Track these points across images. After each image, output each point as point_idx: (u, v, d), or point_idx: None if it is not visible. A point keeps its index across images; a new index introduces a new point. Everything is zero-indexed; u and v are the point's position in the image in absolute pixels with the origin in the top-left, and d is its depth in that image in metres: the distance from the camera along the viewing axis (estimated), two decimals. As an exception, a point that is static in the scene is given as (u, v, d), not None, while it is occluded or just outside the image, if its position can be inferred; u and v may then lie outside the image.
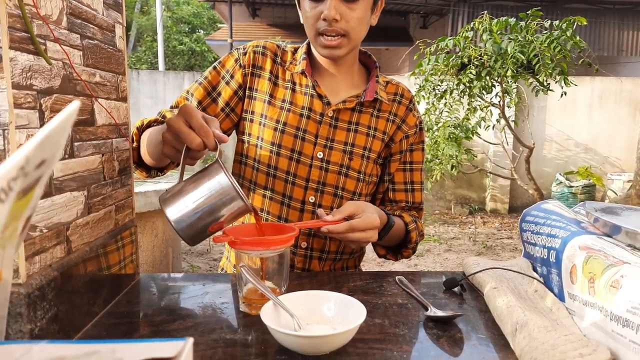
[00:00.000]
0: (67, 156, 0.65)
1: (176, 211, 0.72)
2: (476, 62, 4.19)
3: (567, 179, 5.65)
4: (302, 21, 1.00)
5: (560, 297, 0.72)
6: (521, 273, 0.81)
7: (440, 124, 4.99)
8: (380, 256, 1.12)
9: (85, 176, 0.71)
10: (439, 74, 4.57)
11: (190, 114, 0.71)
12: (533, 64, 3.93)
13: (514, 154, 5.69)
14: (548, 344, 0.56)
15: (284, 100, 1.03)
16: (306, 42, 1.05)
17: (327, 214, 0.92)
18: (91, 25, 0.73)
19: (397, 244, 1.09)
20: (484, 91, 4.42)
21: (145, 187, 2.37)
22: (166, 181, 2.63)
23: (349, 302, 0.68)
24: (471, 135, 4.97)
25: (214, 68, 1.05)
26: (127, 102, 0.86)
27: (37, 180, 0.29)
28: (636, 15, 8.08)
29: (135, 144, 0.92)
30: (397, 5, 8.49)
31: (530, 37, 3.98)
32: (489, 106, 4.82)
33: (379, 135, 1.05)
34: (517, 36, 4.02)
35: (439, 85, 4.70)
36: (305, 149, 1.01)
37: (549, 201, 0.91)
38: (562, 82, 4.00)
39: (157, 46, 10.70)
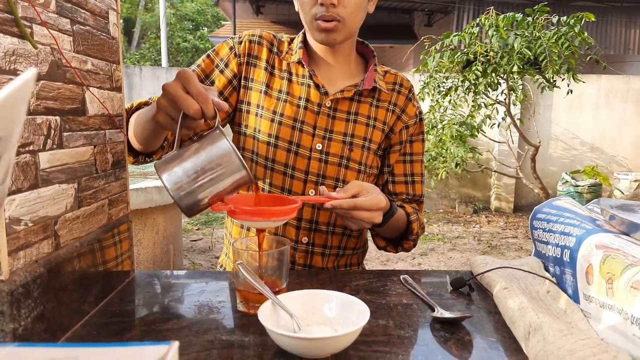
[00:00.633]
0: (55, 146, 0.62)
1: (174, 178, 0.66)
2: (482, 59, 4.14)
3: (573, 178, 5.59)
4: (297, 9, 0.98)
5: (575, 298, 0.68)
6: (532, 273, 0.78)
7: (445, 122, 4.94)
8: (379, 248, 1.08)
9: (75, 168, 0.67)
10: (444, 70, 4.52)
11: (188, 79, 0.65)
12: (540, 60, 3.88)
13: (519, 153, 5.62)
14: (565, 349, 0.52)
15: (280, 91, 1.00)
16: (302, 31, 1.03)
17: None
18: (82, 10, 0.69)
19: (398, 236, 1.05)
20: (489, 88, 4.37)
21: (146, 184, 2.33)
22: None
23: (352, 302, 0.65)
24: (476, 133, 4.91)
25: (208, 56, 1.02)
26: (122, 93, 0.83)
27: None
28: (644, 13, 7.99)
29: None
30: (401, 3, 8.43)
31: (537, 33, 3.93)
32: (494, 104, 4.77)
33: (379, 125, 1.02)
34: (523, 32, 3.96)
35: (443, 82, 4.65)
36: (304, 141, 0.98)
37: (561, 198, 0.87)
38: (570, 79, 3.94)
39: (160, 43, 10.68)
